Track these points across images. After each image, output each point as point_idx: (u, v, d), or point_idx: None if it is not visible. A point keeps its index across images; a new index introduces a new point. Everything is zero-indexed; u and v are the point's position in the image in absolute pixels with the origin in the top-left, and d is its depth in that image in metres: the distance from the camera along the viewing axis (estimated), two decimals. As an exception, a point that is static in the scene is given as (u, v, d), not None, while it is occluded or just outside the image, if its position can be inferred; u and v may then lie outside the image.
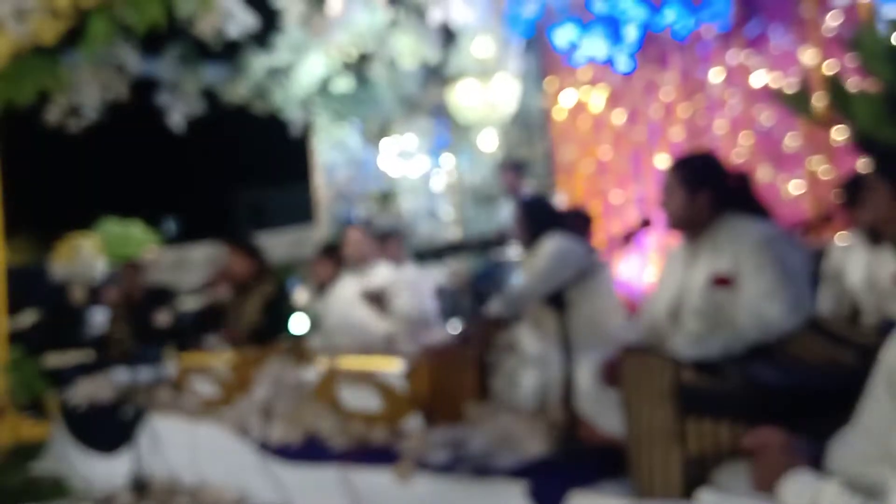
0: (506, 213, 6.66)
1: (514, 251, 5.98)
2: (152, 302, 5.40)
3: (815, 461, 1.45)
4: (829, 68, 5.05)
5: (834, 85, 1.24)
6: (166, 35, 5.82)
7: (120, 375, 4.72)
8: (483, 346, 2.96)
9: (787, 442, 1.51)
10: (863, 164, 4.14)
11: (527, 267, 3.45)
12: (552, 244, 3.20)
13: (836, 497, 1.28)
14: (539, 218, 3.35)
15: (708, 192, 2.43)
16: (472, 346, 2.94)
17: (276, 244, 12.53)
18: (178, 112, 6.84)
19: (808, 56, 5.26)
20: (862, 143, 1.30)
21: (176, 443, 3.85)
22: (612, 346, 2.58)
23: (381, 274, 4.36)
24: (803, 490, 1.35)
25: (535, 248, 3.28)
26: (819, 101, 1.18)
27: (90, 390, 4.83)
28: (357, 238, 4.37)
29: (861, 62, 1.29)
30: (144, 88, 6.81)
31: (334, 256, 5.31)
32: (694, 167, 2.51)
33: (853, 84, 1.20)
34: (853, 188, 3.20)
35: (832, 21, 5.10)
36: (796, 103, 1.28)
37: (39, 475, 4.86)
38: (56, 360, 6.95)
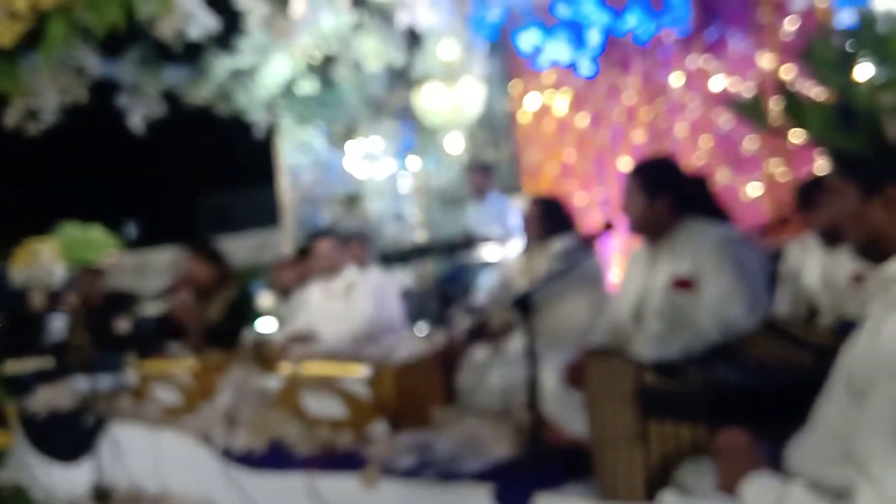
0: (472, 216, 6.69)
1: (482, 253, 6.00)
2: (112, 308, 5.30)
3: (777, 462, 1.47)
4: (785, 73, 5.17)
5: (786, 92, 1.27)
6: (127, 37, 5.72)
7: (80, 383, 4.62)
8: (445, 348, 2.97)
9: (750, 443, 1.52)
10: (820, 167, 4.24)
11: (530, 264, 3.42)
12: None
13: (804, 499, 1.28)
14: (555, 217, 3.36)
15: (666, 197, 2.47)
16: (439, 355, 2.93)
17: (240, 248, 12.40)
18: (139, 114, 6.73)
19: (765, 61, 5.38)
20: (821, 145, 1.33)
21: (138, 451, 3.78)
22: (577, 348, 2.60)
23: (348, 277, 4.34)
24: (766, 491, 1.35)
25: (545, 247, 3.27)
26: (775, 106, 1.21)
27: (50, 398, 4.73)
28: (327, 249, 4.34)
29: (812, 71, 1.31)
30: (105, 91, 6.69)
31: (299, 261, 5.27)
32: (652, 173, 2.55)
33: (807, 91, 1.23)
34: (810, 190, 3.28)
35: (790, 26, 5.23)
36: (749, 111, 1.30)
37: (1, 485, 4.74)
38: (14, 367, 6.78)
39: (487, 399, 2.92)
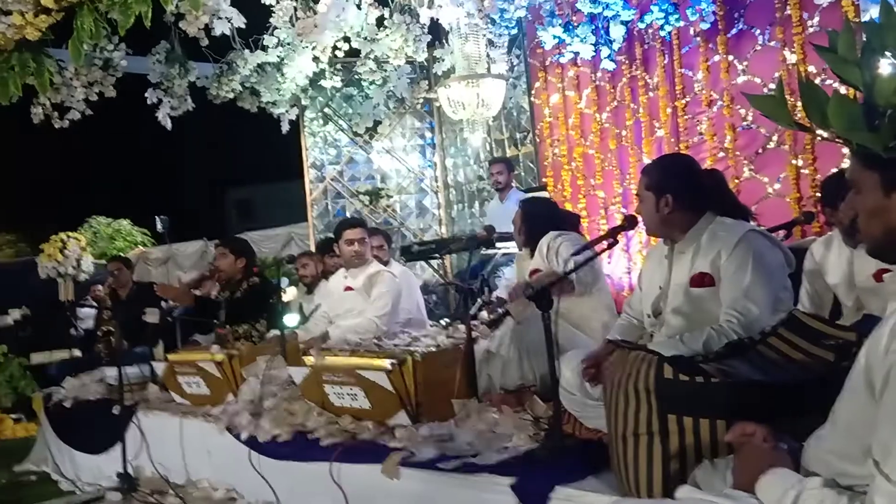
0: (493, 211, 6.70)
1: (502, 247, 6.01)
2: (140, 300, 5.39)
3: (795, 458, 1.45)
4: (811, 68, 5.10)
5: (807, 87, 1.25)
6: (155, 32, 5.80)
7: (108, 373, 4.71)
8: (466, 340, 2.99)
9: (767, 437, 1.50)
10: (847, 162, 4.19)
11: (526, 265, 3.46)
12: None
13: (821, 497, 1.27)
14: (538, 221, 3.37)
15: (678, 196, 2.45)
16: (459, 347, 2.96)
17: (266, 241, 12.53)
18: (167, 109, 6.83)
19: (790, 55, 5.31)
20: (843, 141, 1.30)
21: (164, 440, 3.86)
22: (597, 342, 2.61)
23: (369, 270, 4.36)
24: (783, 488, 1.34)
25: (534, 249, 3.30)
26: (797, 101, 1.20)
27: (77, 388, 4.82)
28: (358, 235, 4.33)
29: (834, 65, 1.30)
30: (134, 86, 6.78)
31: (321, 254, 5.31)
32: (663, 172, 2.53)
33: (829, 87, 1.22)
34: (835, 186, 3.24)
35: (816, 20, 5.16)
36: (770, 107, 1.28)
37: (25, 475, 4.84)
38: (42, 357, 6.93)
39: (507, 392, 2.94)
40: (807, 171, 5.22)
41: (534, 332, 2.84)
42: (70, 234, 10.93)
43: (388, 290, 4.22)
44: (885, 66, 1.32)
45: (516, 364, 3.02)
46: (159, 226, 17.41)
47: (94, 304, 7.60)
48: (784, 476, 1.38)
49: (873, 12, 4.47)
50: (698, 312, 2.40)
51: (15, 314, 8.69)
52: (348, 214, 8.16)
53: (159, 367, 4.33)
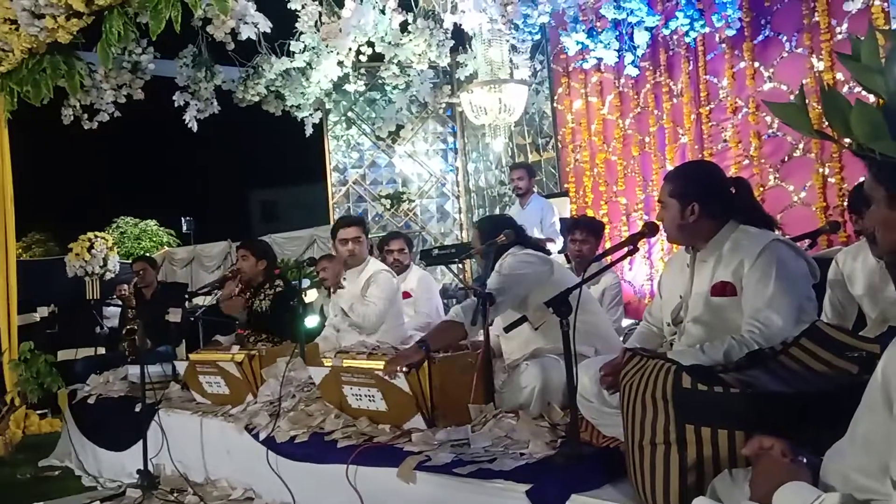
0: (514, 216, 6.69)
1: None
2: (165, 299, 5.45)
3: (815, 472, 1.42)
4: (838, 76, 5.03)
5: (828, 95, 1.23)
6: (183, 36, 5.88)
7: (131, 371, 4.77)
8: (484, 347, 2.98)
9: (786, 450, 1.48)
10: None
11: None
12: (512, 258, 3.22)
13: None
14: (495, 235, 3.32)
15: (702, 204, 2.41)
16: (435, 352, 2.93)
17: (289, 243, 12.63)
18: (193, 112, 6.91)
19: (817, 63, 5.24)
20: (864, 150, 1.28)
21: (184, 439, 3.89)
22: (615, 350, 2.59)
23: (369, 271, 4.30)
24: (801, 501, 1.31)
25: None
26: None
27: (101, 386, 4.89)
28: (353, 234, 4.26)
29: (857, 73, 1.27)
30: (162, 89, 6.88)
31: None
32: (686, 180, 2.49)
33: (859, 94, 1.20)
34: (860, 195, 3.20)
35: (844, 27, 5.09)
36: (792, 115, 1.26)
37: (49, 469, 4.92)
38: (68, 355, 7.04)
39: (524, 398, 2.93)
40: (833, 180, 5.15)
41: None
42: (97, 233, 11.13)
43: (382, 291, 4.15)
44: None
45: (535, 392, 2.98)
46: (187, 225, 17.61)
47: (120, 302, 7.71)
48: (801, 489, 1.35)
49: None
50: (719, 322, 2.37)
51: (43, 311, 8.86)
52: (370, 218, 8.20)
53: (181, 366, 4.38)
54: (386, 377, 2.89)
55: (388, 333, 4.09)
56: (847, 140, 1.38)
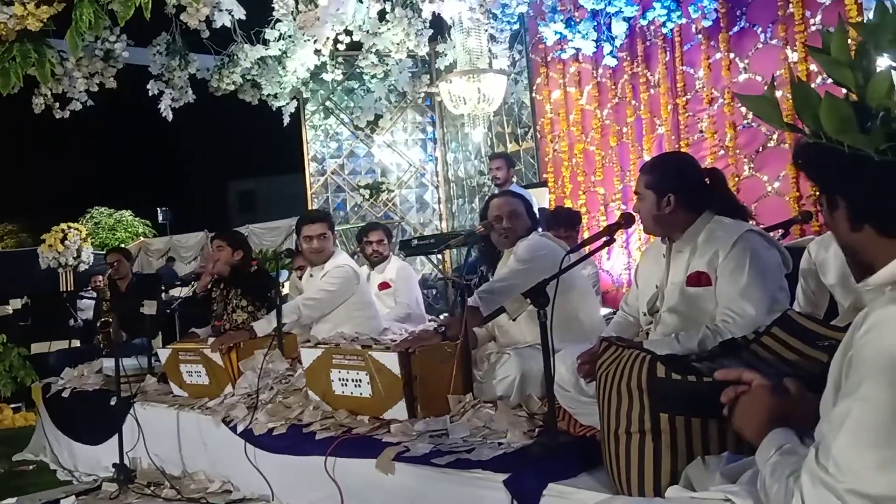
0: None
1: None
2: (140, 291, 5.40)
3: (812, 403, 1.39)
4: (812, 67, 5.08)
5: (798, 87, 1.24)
6: (157, 24, 5.80)
7: (106, 364, 4.72)
8: (463, 337, 2.99)
9: (769, 384, 1.44)
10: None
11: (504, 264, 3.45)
12: (530, 241, 3.24)
13: (778, 461, 1.25)
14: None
15: (677, 195, 2.44)
16: (453, 338, 2.96)
17: (268, 234, 12.56)
18: (168, 101, 6.83)
19: (792, 54, 5.30)
20: (833, 143, 1.28)
21: (161, 432, 3.87)
22: (591, 340, 2.61)
23: (332, 263, 4.26)
24: (773, 447, 1.30)
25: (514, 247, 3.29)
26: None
27: (76, 379, 4.84)
28: (317, 231, 4.19)
29: (826, 66, 1.28)
30: (137, 77, 6.79)
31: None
32: (663, 172, 2.51)
33: (825, 87, 1.21)
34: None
35: (818, 19, 5.14)
36: (762, 107, 1.26)
37: (24, 464, 4.86)
38: (42, 348, 6.95)
39: (504, 388, 2.95)
40: (806, 170, 5.22)
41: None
42: (71, 224, 10.97)
43: (328, 282, 4.07)
44: (878, 68, 1.31)
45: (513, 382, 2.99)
46: (163, 216, 17.40)
47: (94, 294, 7.62)
48: (779, 435, 1.33)
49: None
50: (694, 311, 2.40)
51: (16, 303, 8.73)
52: (349, 208, 8.17)
53: (164, 354, 4.30)
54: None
55: (361, 325, 4.05)
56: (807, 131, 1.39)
